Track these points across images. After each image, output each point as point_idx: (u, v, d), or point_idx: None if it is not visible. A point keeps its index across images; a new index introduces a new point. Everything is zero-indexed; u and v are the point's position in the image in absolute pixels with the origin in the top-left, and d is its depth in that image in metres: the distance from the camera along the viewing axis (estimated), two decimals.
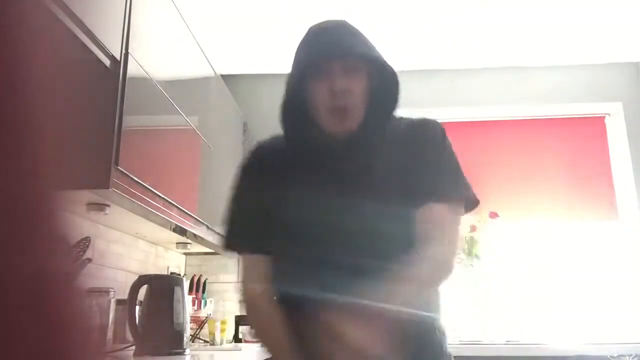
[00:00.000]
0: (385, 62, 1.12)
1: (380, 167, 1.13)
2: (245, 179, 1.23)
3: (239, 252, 1.22)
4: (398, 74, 1.16)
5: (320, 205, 1.11)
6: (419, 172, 1.12)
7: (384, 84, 1.16)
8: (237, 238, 1.21)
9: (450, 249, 1.11)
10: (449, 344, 1.19)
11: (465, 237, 2.99)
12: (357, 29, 1.17)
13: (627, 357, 2.34)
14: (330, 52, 1.11)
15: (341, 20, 1.18)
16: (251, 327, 1.20)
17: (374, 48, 1.14)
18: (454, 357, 1.21)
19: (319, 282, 1.05)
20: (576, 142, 3.39)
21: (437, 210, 1.09)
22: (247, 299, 1.17)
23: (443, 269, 1.08)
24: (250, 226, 1.18)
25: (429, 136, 1.18)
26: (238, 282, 1.21)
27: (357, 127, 1.13)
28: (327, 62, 1.10)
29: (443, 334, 1.17)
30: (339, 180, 1.14)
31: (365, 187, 1.12)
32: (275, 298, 1.14)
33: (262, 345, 1.14)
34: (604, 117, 3.44)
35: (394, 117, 1.21)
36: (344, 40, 1.12)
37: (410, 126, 1.20)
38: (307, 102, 1.14)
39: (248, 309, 1.17)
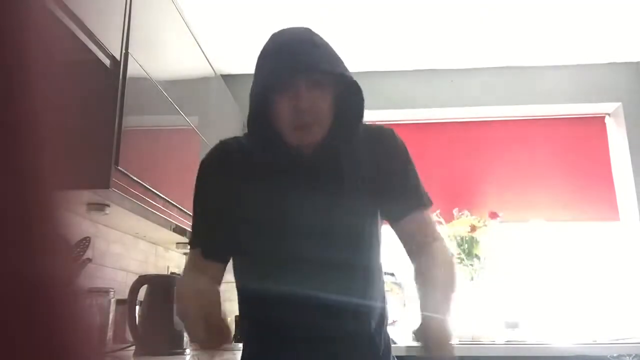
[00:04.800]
0: (349, 75, 1.13)
1: (346, 175, 1.18)
2: (209, 178, 1.24)
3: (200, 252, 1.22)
4: (361, 87, 1.16)
5: (286, 206, 1.16)
6: (392, 184, 1.22)
7: (349, 96, 1.16)
8: (198, 239, 1.23)
9: (444, 243, 1.26)
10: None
11: (465, 237, 2.98)
12: (321, 39, 1.16)
13: (627, 357, 2.34)
14: (295, 68, 1.09)
15: (306, 30, 1.17)
16: (185, 303, 1.15)
17: (339, 60, 1.14)
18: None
19: (286, 279, 1.13)
20: (576, 142, 3.39)
21: (424, 217, 1.24)
22: (187, 279, 1.22)
23: (451, 255, 1.27)
24: (210, 231, 1.21)
25: (393, 147, 1.25)
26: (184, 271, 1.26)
27: (322, 139, 1.15)
28: (291, 78, 1.09)
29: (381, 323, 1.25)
30: (303, 186, 1.18)
31: (329, 197, 1.17)
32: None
33: (183, 313, 1.13)
34: (604, 117, 3.44)
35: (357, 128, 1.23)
36: (308, 55, 1.10)
37: (371, 135, 1.24)
38: (271, 115, 1.15)
39: (185, 288, 1.19)
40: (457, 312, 2.88)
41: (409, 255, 1.23)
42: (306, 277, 1.12)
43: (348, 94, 1.16)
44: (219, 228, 1.19)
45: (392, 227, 1.24)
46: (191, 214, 1.31)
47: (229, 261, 1.22)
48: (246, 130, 1.19)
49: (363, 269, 1.19)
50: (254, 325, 1.24)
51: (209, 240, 1.20)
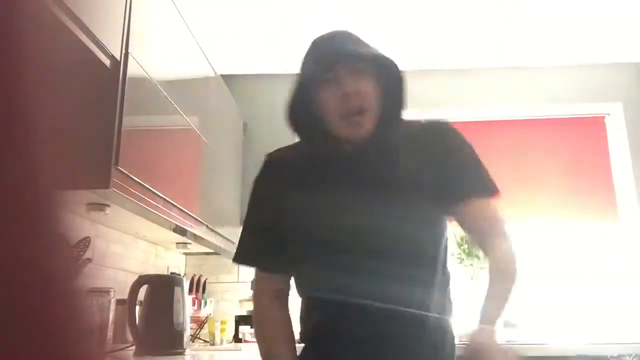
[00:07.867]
0: (390, 60, 1.12)
1: (401, 171, 1.14)
2: (259, 193, 1.25)
3: (251, 266, 1.30)
4: (403, 72, 1.15)
5: (342, 211, 1.11)
6: (443, 174, 1.14)
7: (391, 83, 1.14)
8: (249, 255, 1.26)
9: (510, 241, 1.16)
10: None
11: (465, 237, 2.98)
12: (358, 36, 1.16)
13: (627, 357, 2.34)
14: (336, 57, 1.10)
15: (343, 30, 1.18)
16: (257, 335, 1.25)
17: (377, 50, 1.14)
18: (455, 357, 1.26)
19: (344, 288, 1.08)
20: (576, 142, 3.38)
21: (487, 207, 1.19)
22: (257, 308, 1.25)
23: (515, 260, 1.14)
24: (264, 245, 1.22)
25: (444, 138, 1.19)
26: (248, 283, 1.29)
27: (372, 130, 1.12)
28: (333, 68, 1.10)
29: (453, 336, 1.25)
30: (358, 185, 1.14)
31: (386, 191, 1.12)
32: (287, 311, 1.24)
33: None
34: (604, 117, 3.44)
35: (403, 118, 1.20)
36: (347, 45, 1.11)
37: (423, 129, 1.21)
38: (317, 111, 1.13)
39: (257, 319, 1.26)
40: (457, 312, 2.89)
41: (479, 246, 1.21)
42: (366, 292, 1.08)
43: (390, 81, 1.14)
44: (272, 242, 1.20)
45: (456, 218, 1.18)
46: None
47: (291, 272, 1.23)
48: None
49: (424, 283, 1.12)
50: (313, 328, 1.20)
51: (271, 256, 1.22)
